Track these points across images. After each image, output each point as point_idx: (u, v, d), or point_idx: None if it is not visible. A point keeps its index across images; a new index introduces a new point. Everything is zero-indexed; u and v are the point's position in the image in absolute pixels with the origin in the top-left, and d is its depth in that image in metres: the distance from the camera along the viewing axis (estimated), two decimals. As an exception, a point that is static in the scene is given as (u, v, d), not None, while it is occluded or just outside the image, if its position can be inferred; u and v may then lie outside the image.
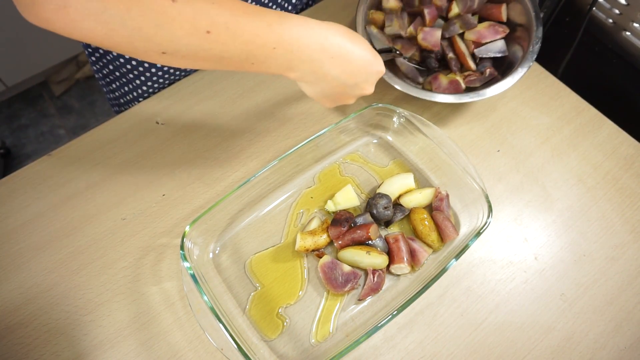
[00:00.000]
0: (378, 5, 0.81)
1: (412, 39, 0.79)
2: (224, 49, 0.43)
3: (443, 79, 0.75)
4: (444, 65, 0.80)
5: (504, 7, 0.77)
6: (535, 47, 0.72)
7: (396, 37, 0.80)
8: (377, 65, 0.55)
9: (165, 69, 0.80)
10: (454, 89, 0.74)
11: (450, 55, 0.78)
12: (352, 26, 0.77)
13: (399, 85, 0.71)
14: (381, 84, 0.83)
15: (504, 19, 0.78)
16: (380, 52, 0.67)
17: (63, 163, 0.74)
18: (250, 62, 0.46)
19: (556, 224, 0.70)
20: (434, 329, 0.62)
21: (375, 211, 0.66)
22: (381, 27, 0.80)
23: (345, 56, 0.51)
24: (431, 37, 0.76)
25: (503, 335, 0.62)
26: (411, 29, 0.78)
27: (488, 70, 0.75)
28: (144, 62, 0.78)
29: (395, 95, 0.81)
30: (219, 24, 0.42)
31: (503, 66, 0.77)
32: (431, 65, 0.79)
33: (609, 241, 0.69)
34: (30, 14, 0.38)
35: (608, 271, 0.67)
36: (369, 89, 0.57)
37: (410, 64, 0.79)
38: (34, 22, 0.39)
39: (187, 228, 0.60)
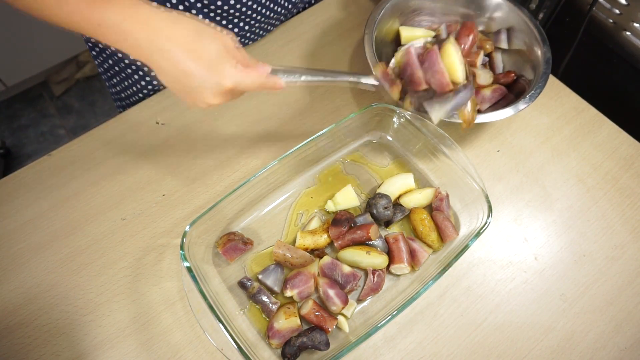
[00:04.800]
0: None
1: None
2: (52, 13, 0.45)
3: (485, 91, 0.74)
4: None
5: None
6: (543, 79, 0.71)
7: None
8: (214, 77, 0.48)
9: None
10: (500, 95, 0.74)
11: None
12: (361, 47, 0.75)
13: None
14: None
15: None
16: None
17: (63, 163, 0.74)
18: (88, 32, 0.47)
19: (556, 224, 0.70)
20: (434, 329, 0.62)
21: (375, 211, 0.66)
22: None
23: (173, 56, 0.47)
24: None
25: (503, 335, 0.62)
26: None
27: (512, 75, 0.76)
28: None
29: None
30: None
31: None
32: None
33: (609, 241, 0.69)
34: None
35: (608, 271, 0.67)
36: (210, 99, 0.50)
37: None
38: None
39: (187, 228, 0.60)
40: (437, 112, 0.56)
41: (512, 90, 0.76)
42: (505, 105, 0.71)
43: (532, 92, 0.69)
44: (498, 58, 0.79)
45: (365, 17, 0.91)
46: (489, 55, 0.79)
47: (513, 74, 0.76)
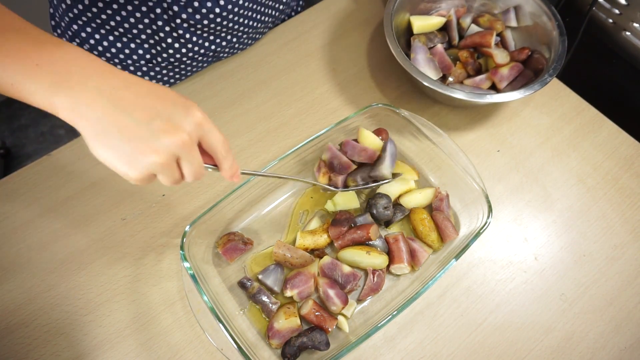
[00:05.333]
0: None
1: None
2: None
3: (503, 70, 0.75)
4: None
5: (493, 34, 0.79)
6: (557, 65, 0.72)
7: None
8: (183, 103, 0.44)
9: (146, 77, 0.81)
10: (517, 72, 0.76)
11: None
12: (380, 31, 0.73)
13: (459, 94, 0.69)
14: (384, 81, 0.83)
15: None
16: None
17: (63, 163, 0.74)
18: (10, 81, 0.39)
19: (556, 224, 0.70)
20: (434, 329, 0.62)
21: (375, 211, 0.66)
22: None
23: (136, 81, 0.41)
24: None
25: (503, 335, 0.62)
26: None
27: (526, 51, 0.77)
28: (126, 67, 0.79)
29: (395, 95, 0.81)
30: None
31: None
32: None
33: (609, 241, 0.69)
34: None
35: (608, 271, 0.67)
36: (184, 126, 0.43)
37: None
38: None
39: (187, 228, 0.60)
40: (386, 169, 0.66)
41: (528, 67, 0.77)
42: (523, 82, 0.73)
43: (555, 65, 0.71)
44: (509, 36, 0.81)
45: (364, 16, 0.91)
46: (499, 35, 0.81)
47: (527, 50, 0.77)
